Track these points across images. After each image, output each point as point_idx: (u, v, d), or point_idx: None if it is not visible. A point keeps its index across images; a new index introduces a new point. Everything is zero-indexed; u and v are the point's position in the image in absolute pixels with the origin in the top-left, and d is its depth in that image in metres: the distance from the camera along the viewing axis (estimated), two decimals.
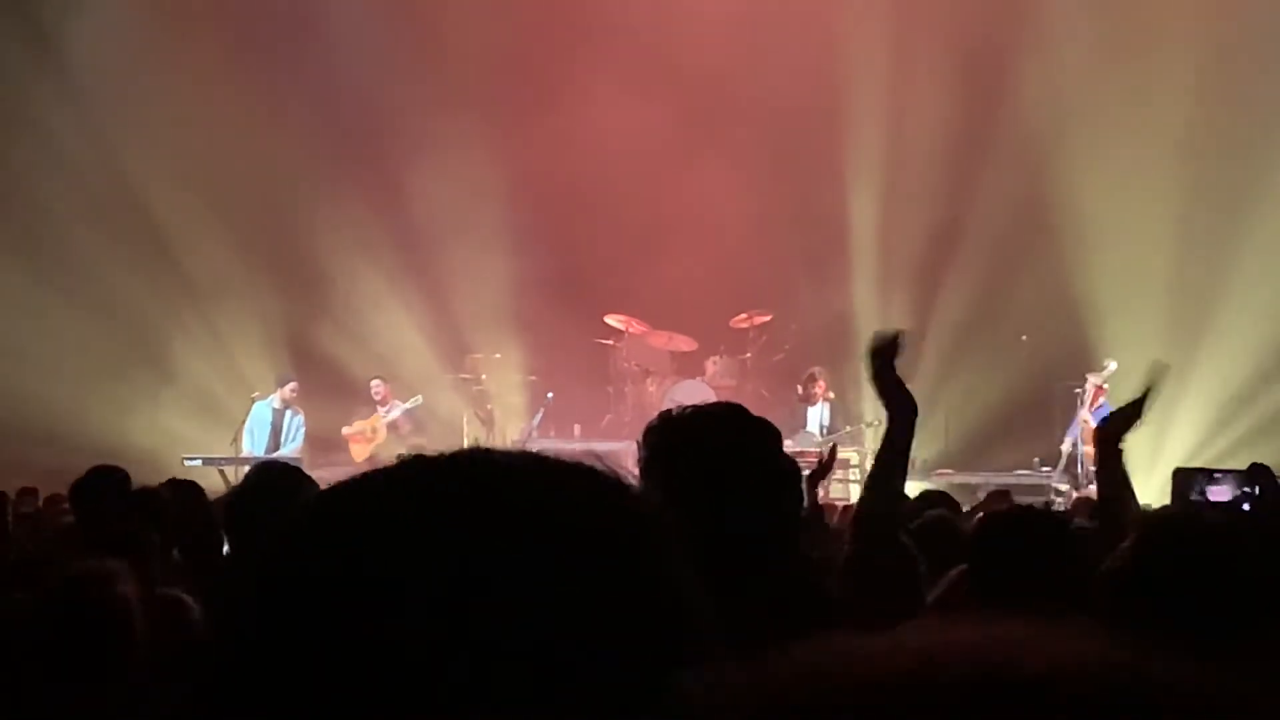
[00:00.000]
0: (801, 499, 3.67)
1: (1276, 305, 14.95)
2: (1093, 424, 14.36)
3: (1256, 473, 6.55)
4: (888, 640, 0.72)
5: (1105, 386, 14.54)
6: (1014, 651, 0.68)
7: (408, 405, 15.48)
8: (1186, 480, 7.04)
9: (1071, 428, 14.60)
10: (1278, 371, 14.80)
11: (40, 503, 9.03)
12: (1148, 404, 4.39)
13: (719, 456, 2.64)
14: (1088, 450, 14.42)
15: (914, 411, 3.68)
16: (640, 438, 2.74)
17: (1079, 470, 14.29)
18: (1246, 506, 6.49)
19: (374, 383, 15.59)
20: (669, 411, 2.76)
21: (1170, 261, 15.28)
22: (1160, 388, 4.43)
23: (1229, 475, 6.98)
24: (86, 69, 15.73)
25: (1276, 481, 6.39)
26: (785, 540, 2.82)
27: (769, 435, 2.79)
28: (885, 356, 3.80)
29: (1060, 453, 14.55)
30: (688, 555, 0.95)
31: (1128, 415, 4.41)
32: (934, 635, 0.71)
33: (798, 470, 3.56)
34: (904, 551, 3.78)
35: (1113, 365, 14.52)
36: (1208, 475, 7.07)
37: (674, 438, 2.67)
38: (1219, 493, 6.83)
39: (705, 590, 0.95)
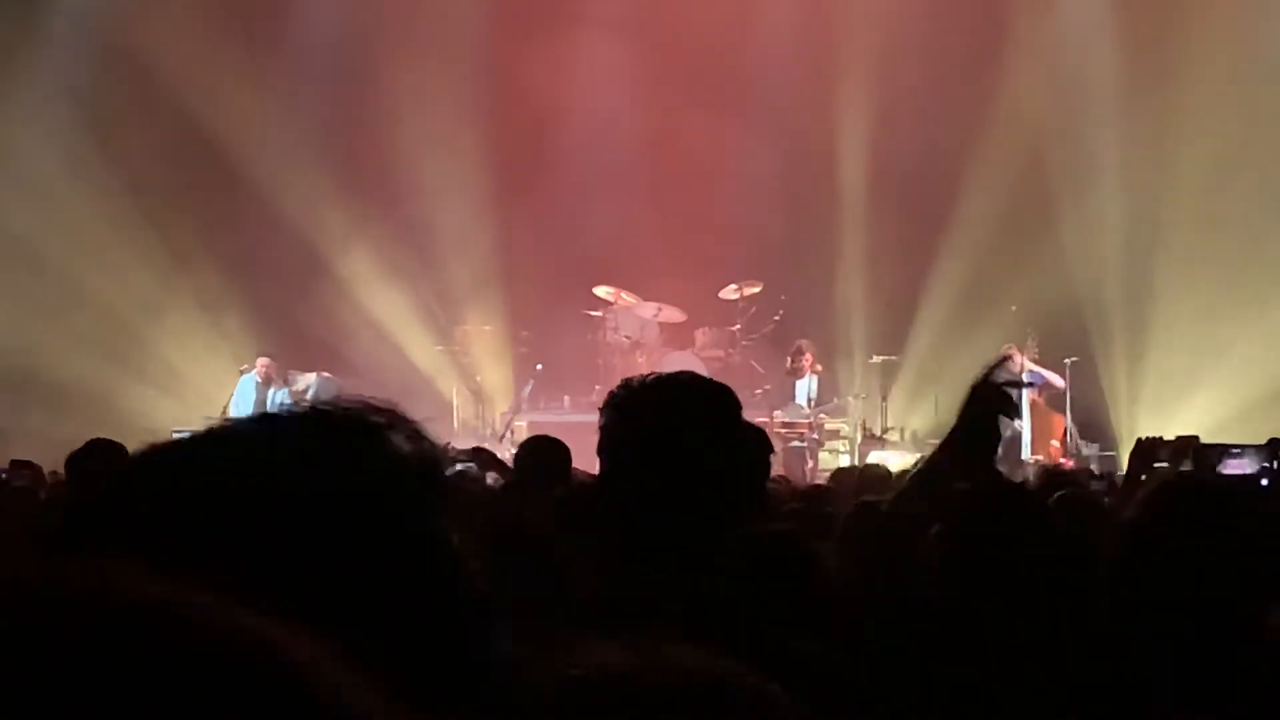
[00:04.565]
0: (765, 466, 3.70)
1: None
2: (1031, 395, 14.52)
3: (1275, 447, 6.62)
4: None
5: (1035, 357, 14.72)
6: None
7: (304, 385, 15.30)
8: (1206, 455, 7.06)
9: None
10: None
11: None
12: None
13: (675, 424, 2.63)
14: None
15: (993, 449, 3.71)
16: (600, 407, 2.73)
17: (1069, 441, 14.46)
18: (1265, 481, 6.52)
19: (260, 360, 15.19)
20: (629, 380, 2.72)
21: (1166, 230, 15.33)
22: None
23: (1248, 450, 7.01)
24: (68, 34, 15.66)
25: None
26: (748, 507, 2.82)
27: (727, 403, 2.73)
28: (995, 397, 3.81)
29: (1016, 429, 14.63)
30: (449, 515, 0.95)
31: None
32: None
33: (761, 437, 3.58)
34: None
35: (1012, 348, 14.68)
36: (1226, 450, 7.10)
37: (631, 407, 2.67)
38: (1238, 466, 6.86)
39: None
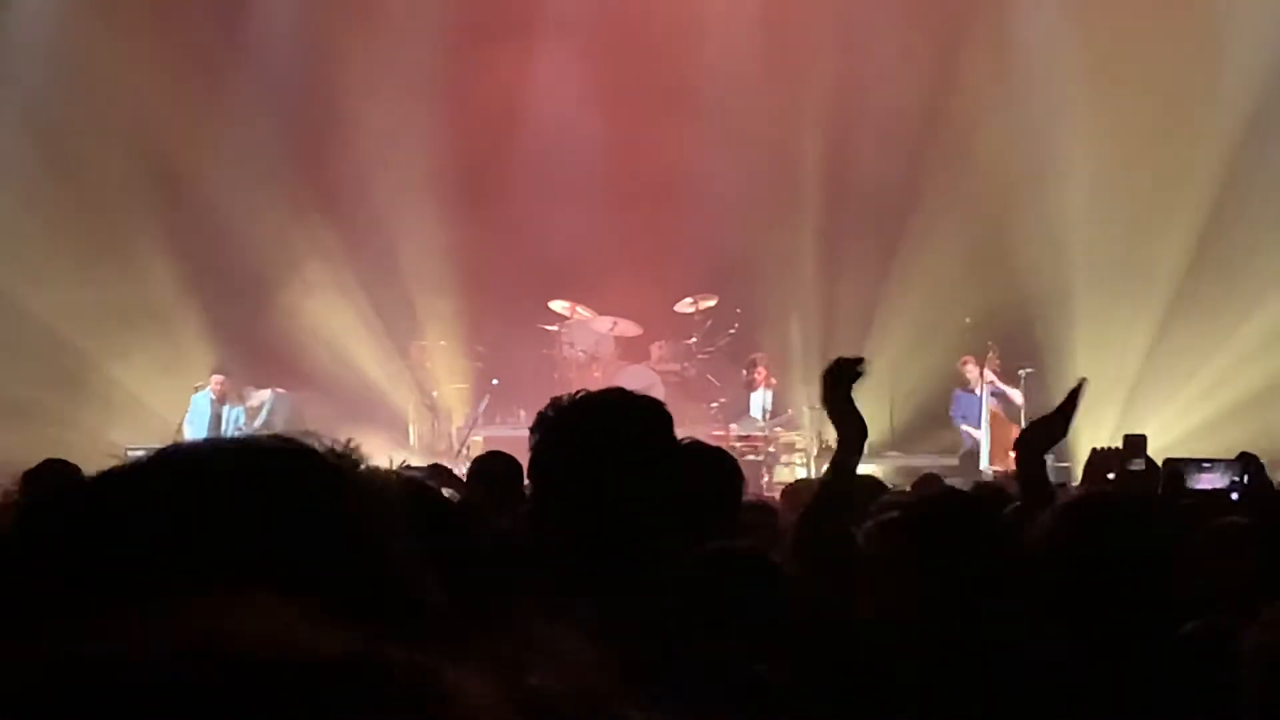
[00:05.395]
0: (733, 484, 3.68)
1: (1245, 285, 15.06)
2: (992, 405, 14.60)
3: (1246, 461, 6.68)
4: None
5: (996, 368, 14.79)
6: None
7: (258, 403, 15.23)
8: (1178, 470, 7.09)
9: (965, 411, 14.86)
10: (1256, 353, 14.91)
11: None
12: (1071, 417, 4.37)
13: (602, 443, 2.60)
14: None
15: (864, 436, 3.77)
16: (530, 428, 2.71)
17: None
18: (1235, 495, 6.56)
19: (214, 378, 15.02)
20: (558, 399, 2.69)
21: (1121, 242, 15.43)
22: (1080, 401, 4.39)
23: (1218, 464, 7.04)
24: (22, 52, 15.55)
25: (1265, 470, 6.54)
26: (689, 521, 2.80)
27: (656, 419, 2.69)
28: (843, 381, 3.84)
29: (975, 439, 14.72)
30: (401, 525, 1.04)
31: (1051, 427, 4.38)
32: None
33: (723, 457, 3.54)
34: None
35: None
36: (1197, 465, 7.12)
37: (558, 427, 2.65)
38: (1209, 480, 6.88)
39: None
